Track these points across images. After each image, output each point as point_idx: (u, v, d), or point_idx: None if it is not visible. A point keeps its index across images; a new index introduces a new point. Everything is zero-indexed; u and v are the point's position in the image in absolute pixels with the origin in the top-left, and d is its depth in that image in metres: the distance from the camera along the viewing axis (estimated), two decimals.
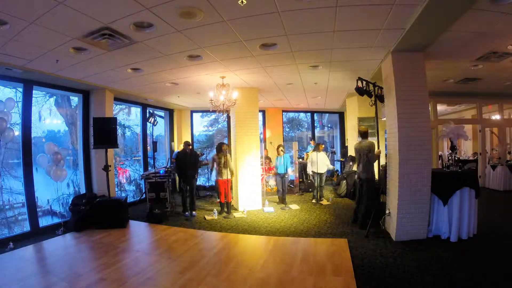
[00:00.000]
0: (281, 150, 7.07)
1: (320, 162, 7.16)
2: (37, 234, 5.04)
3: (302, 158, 9.80)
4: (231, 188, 6.67)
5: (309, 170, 7.43)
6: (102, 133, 5.82)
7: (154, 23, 3.34)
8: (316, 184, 7.33)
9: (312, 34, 3.80)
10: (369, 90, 4.80)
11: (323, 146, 7.53)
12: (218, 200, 6.37)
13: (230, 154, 7.04)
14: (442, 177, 4.35)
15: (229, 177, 6.33)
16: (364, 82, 4.79)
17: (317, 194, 7.33)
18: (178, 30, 3.55)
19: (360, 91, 4.71)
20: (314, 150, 7.55)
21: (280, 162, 6.98)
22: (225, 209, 6.32)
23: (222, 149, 6.26)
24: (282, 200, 7.10)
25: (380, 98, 4.77)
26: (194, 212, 6.31)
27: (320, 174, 7.24)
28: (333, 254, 3.94)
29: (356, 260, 3.72)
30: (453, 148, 4.70)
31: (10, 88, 5.55)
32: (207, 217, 6.10)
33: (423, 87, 4.32)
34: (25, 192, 5.13)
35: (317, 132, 13.59)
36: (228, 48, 4.24)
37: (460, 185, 4.27)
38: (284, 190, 7.08)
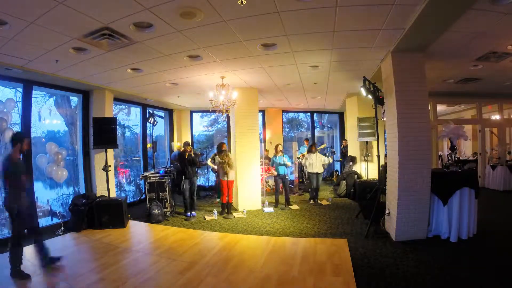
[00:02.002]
0: (280, 150, 7.06)
1: (318, 162, 7.16)
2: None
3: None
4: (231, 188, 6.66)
5: (307, 171, 7.41)
6: (102, 133, 5.83)
7: (154, 23, 3.34)
8: (314, 185, 7.29)
9: (312, 34, 3.80)
10: (372, 90, 4.83)
11: (314, 147, 7.51)
12: (218, 200, 6.37)
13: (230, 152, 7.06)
14: (442, 177, 4.35)
15: (233, 178, 6.34)
16: (367, 82, 4.81)
17: (315, 194, 7.30)
18: (178, 30, 3.55)
19: (367, 90, 4.77)
20: (308, 151, 7.53)
21: (281, 162, 6.96)
22: (225, 210, 6.33)
23: (222, 149, 6.29)
24: (283, 201, 7.07)
25: (380, 101, 4.79)
26: (193, 212, 6.31)
27: (318, 174, 7.22)
28: (333, 254, 3.94)
29: (356, 260, 3.72)
30: (453, 148, 4.70)
31: (10, 88, 5.54)
32: (207, 217, 6.09)
33: (423, 87, 4.32)
34: None
35: (317, 132, 13.59)
36: (228, 48, 4.24)
37: (460, 185, 4.27)
38: (287, 191, 7.03)
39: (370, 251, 4.00)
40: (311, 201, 7.26)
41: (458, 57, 4.84)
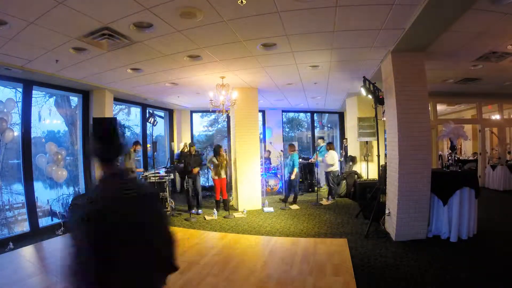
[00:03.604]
0: (292, 149, 7.27)
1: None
2: (37, 234, 5.03)
3: (304, 159, 9.74)
4: (227, 186, 6.81)
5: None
6: None
7: (154, 23, 3.34)
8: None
9: (312, 34, 3.80)
10: (372, 90, 4.84)
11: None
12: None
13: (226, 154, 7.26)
14: (442, 177, 4.35)
15: (224, 176, 6.59)
16: (367, 82, 4.82)
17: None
18: (178, 30, 3.55)
19: (367, 90, 4.78)
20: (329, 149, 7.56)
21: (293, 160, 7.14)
22: (223, 207, 6.50)
23: (220, 153, 6.52)
24: (294, 200, 7.21)
25: (380, 101, 4.79)
26: (200, 210, 6.44)
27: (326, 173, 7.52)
28: (333, 254, 3.94)
29: (356, 260, 3.72)
30: (453, 148, 4.70)
31: (10, 88, 5.54)
32: (207, 217, 6.10)
33: (423, 87, 4.32)
34: (24, 192, 5.12)
35: (317, 132, 13.58)
36: (228, 48, 4.24)
37: (460, 185, 4.27)
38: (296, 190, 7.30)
39: (370, 251, 4.00)
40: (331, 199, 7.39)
41: (458, 57, 4.84)
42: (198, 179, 6.56)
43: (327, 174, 7.48)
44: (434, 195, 4.34)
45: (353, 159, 8.57)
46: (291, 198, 7.23)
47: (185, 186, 6.54)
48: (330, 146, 7.63)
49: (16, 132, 5.15)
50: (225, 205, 6.48)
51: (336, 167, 7.46)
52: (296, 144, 9.45)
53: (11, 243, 4.48)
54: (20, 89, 5.30)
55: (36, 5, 2.82)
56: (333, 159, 7.37)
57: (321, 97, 8.50)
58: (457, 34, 3.81)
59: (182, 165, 6.59)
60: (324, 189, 9.01)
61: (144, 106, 8.59)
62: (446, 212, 4.28)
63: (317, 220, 5.75)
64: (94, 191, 1.44)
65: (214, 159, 6.48)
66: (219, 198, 6.55)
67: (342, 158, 9.61)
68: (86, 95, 6.47)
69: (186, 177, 6.48)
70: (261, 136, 10.16)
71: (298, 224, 5.51)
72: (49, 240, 4.85)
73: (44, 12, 2.93)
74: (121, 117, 9.13)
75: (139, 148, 7.07)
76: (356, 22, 3.47)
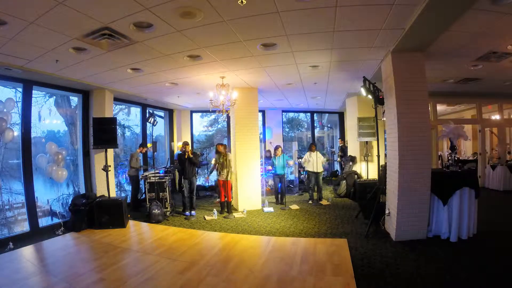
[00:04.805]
0: (280, 150, 7.11)
1: (318, 161, 7.18)
2: (36, 234, 5.03)
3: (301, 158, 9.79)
4: (231, 188, 6.69)
5: (306, 169, 7.43)
6: (102, 133, 5.83)
7: (154, 23, 3.34)
8: (311, 184, 7.32)
9: (312, 34, 3.80)
10: (372, 90, 4.83)
11: (314, 146, 7.52)
12: (218, 199, 6.48)
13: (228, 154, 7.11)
14: (442, 177, 4.35)
15: (229, 178, 6.40)
16: (367, 82, 4.82)
17: (313, 194, 7.32)
18: (178, 30, 3.55)
19: (367, 90, 4.77)
20: (308, 150, 7.54)
21: (279, 163, 6.99)
22: (225, 209, 6.37)
23: (218, 150, 6.45)
24: (280, 200, 7.10)
25: (380, 101, 4.79)
26: (193, 212, 6.35)
27: (317, 174, 7.23)
28: (333, 254, 3.94)
29: (356, 260, 3.72)
30: (452, 148, 4.71)
31: (10, 88, 5.54)
32: (207, 217, 6.10)
33: (423, 87, 4.32)
34: (24, 192, 5.13)
35: (317, 132, 13.60)
36: (228, 48, 4.24)
37: (460, 185, 4.27)
38: (283, 191, 7.08)
39: (370, 251, 4.00)
40: (310, 201, 7.26)
41: (458, 57, 4.84)
42: (194, 181, 6.52)
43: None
44: (434, 195, 4.34)
45: (353, 159, 8.57)
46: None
47: (181, 187, 6.52)
48: (311, 146, 7.54)
49: (16, 132, 5.15)
50: (228, 208, 6.40)
51: (311, 168, 7.25)
52: (296, 144, 9.48)
53: (11, 243, 4.48)
54: (20, 89, 5.30)
55: (36, 5, 2.82)
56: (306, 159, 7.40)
57: (321, 97, 8.51)
58: (457, 34, 3.81)
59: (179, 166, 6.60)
60: (326, 189, 9.03)
61: (144, 106, 8.59)
62: (446, 212, 4.28)
63: (317, 220, 5.75)
64: None
65: (215, 157, 6.45)
66: (224, 199, 6.41)
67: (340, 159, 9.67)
68: (86, 95, 6.47)
69: (182, 178, 6.49)
70: (261, 136, 10.18)
71: (298, 224, 5.51)
72: (49, 240, 4.86)
73: (44, 12, 2.93)
74: (121, 117, 9.14)
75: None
76: (356, 22, 3.47)
